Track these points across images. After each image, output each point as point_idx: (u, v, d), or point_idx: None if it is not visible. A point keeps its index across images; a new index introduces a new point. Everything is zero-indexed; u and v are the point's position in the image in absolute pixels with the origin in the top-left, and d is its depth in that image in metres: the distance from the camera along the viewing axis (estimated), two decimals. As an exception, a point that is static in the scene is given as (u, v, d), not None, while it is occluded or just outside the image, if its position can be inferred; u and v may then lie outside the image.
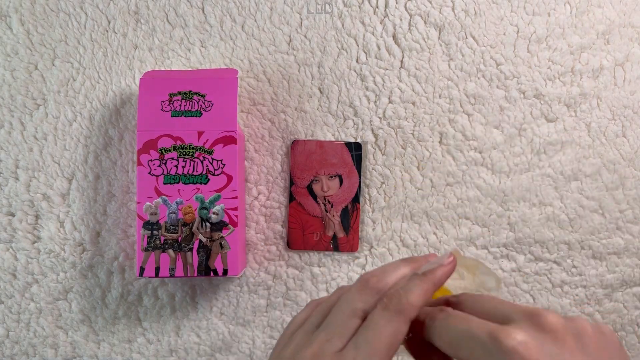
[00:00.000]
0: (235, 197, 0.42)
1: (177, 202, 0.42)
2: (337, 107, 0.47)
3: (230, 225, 0.42)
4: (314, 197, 0.47)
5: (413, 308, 0.27)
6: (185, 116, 0.42)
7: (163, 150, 0.42)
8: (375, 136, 0.47)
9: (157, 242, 0.42)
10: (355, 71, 0.47)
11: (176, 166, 0.42)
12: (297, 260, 0.48)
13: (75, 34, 0.47)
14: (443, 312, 0.27)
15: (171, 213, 0.42)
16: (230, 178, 0.42)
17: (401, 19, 0.47)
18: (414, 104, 0.47)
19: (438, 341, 0.27)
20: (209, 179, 0.42)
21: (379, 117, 0.47)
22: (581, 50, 0.47)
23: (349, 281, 0.48)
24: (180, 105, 0.42)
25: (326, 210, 0.47)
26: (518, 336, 0.24)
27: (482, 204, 0.47)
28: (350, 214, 0.47)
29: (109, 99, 0.47)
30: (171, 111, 0.42)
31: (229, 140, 0.42)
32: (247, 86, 0.47)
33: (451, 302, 0.30)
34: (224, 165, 0.42)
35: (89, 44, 0.47)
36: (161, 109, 0.42)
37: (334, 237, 0.48)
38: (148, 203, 0.42)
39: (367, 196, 0.47)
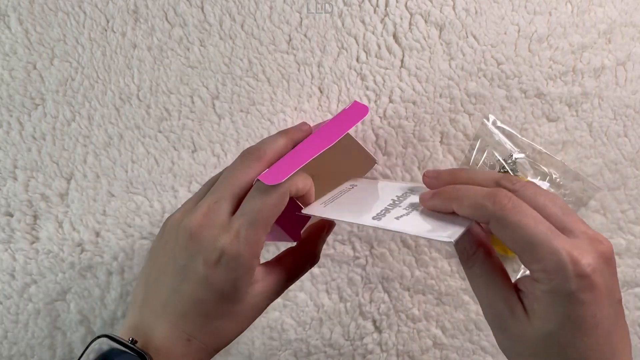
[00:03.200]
0: None
1: None
2: (337, 106, 0.47)
3: None
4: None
5: (294, 187, 0.30)
6: None
7: None
8: (376, 136, 0.47)
9: None
10: (355, 70, 0.47)
11: None
12: (297, 261, 0.47)
13: (73, 33, 0.47)
14: (510, 201, 0.26)
15: None
16: None
17: (402, 18, 0.46)
18: (414, 103, 0.47)
19: (501, 234, 0.26)
20: None
21: (380, 117, 0.47)
22: (582, 49, 0.47)
23: (349, 282, 0.48)
24: None
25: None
26: (591, 260, 0.24)
27: (483, 204, 0.47)
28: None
29: (107, 98, 0.47)
30: None
31: None
32: (246, 86, 0.47)
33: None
34: None
35: (87, 43, 0.47)
36: None
37: (334, 237, 0.47)
38: None
39: (367, 196, 0.47)
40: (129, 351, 0.28)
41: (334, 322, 0.48)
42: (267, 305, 0.32)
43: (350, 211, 0.33)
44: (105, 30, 0.47)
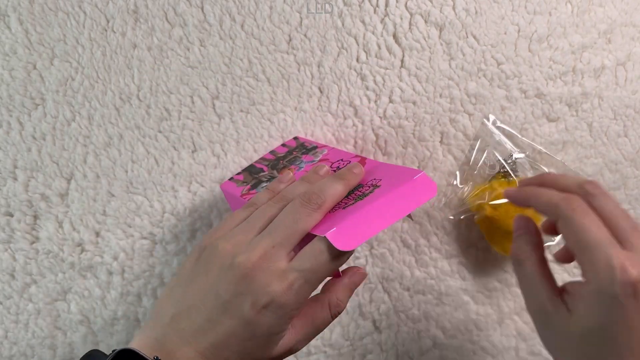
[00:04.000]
0: None
1: None
2: (337, 106, 0.47)
3: None
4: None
5: (327, 204, 0.32)
6: None
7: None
8: (376, 136, 0.47)
9: None
10: (355, 70, 0.47)
11: None
12: (297, 261, 0.47)
13: (74, 33, 0.47)
14: (580, 206, 0.29)
15: None
16: None
17: (402, 18, 0.46)
18: (414, 103, 0.47)
19: (564, 231, 0.29)
20: None
21: (380, 117, 0.47)
22: (582, 49, 0.47)
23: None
24: None
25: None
26: (635, 272, 0.26)
27: (483, 204, 0.47)
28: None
29: (108, 98, 0.47)
30: None
31: None
32: (246, 86, 0.47)
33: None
34: None
35: (87, 43, 0.47)
36: None
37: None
38: None
39: (367, 196, 0.47)
40: None
41: (334, 322, 0.48)
42: (288, 355, 0.33)
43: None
44: (105, 30, 0.47)
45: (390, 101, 0.47)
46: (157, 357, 0.29)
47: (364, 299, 0.48)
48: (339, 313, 0.34)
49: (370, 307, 0.48)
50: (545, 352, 0.50)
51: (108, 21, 0.47)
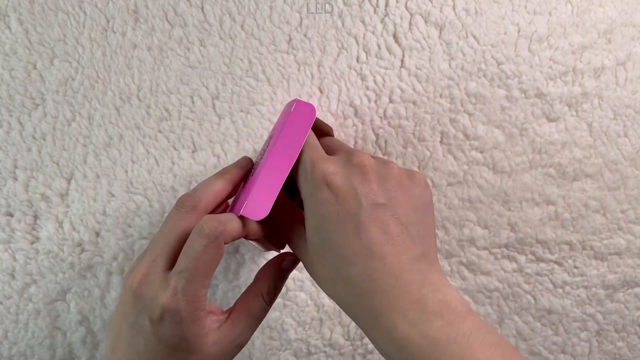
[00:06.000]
0: None
1: None
2: (337, 106, 0.47)
3: None
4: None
5: (229, 236, 0.31)
6: None
7: None
8: (376, 136, 0.47)
9: None
10: (355, 70, 0.47)
11: None
12: (297, 261, 0.47)
13: (74, 33, 0.47)
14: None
15: None
16: None
17: (402, 18, 0.46)
18: (414, 103, 0.47)
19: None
20: None
21: (380, 117, 0.47)
22: (582, 49, 0.47)
23: (349, 282, 0.48)
24: None
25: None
26: (329, 167, 0.29)
27: (483, 204, 0.47)
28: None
29: (108, 98, 0.47)
30: None
31: None
32: (246, 86, 0.47)
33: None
34: None
35: (87, 43, 0.47)
36: None
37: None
38: None
39: (367, 196, 0.47)
40: None
41: (334, 322, 0.48)
42: (235, 350, 0.33)
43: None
44: (106, 31, 0.47)
45: (390, 101, 0.47)
46: None
47: (364, 299, 0.48)
48: (274, 299, 0.35)
49: (371, 307, 0.48)
50: (545, 352, 0.50)
51: (108, 21, 0.47)
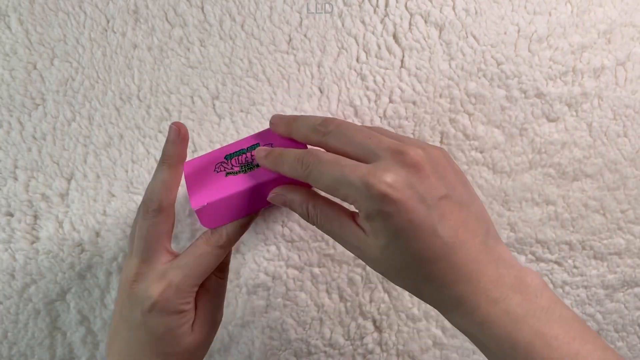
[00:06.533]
0: None
1: None
2: (337, 106, 0.47)
3: None
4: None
5: (230, 241, 0.33)
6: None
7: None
8: (376, 136, 0.47)
9: None
10: (355, 70, 0.47)
11: None
12: (296, 261, 0.47)
13: (74, 34, 0.47)
14: (314, 157, 0.30)
15: None
16: None
17: (401, 18, 0.46)
18: (414, 103, 0.47)
19: (317, 186, 0.30)
20: None
21: (380, 117, 0.47)
22: (582, 49, 0.47)
23: (349, 282, 0.48)
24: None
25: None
26: (387, 178, 0.27)
27: (483, 204, 0.47)
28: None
29: (108, 98, 0.47)
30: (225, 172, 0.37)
31: None
32: (246, 86, 0.47)
33: (321, 142, 0.32)
34: None
35: (88, 44, 0.47)
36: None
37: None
38: None
39: (367, 196, 0.47)
40: None
41: (334, 322, 0.48)
42: (209, 339, 0.36)
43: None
44: (106, 31, 0.47)
45: (390, 101, 0.47)
46: None
47: (364, 299, 0.48)
48: (225, 274, 0.37)
49: (370, 307, 0.48)
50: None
51: (108, 21, 0.47)
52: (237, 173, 0.35)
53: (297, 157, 0.31)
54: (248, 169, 0.35)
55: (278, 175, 0.34)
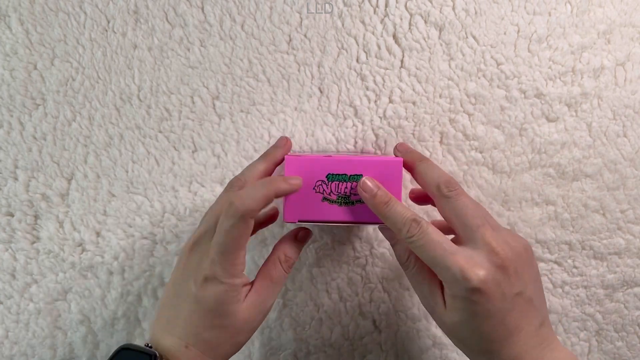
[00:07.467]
0: None
1: None
2: (337, 106, 0.47)
3: None
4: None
5: (251, 211, 0.34)
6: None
7: None
8: (376, 136, 0.47)
9: None
10: (355, 71, 0.47)
11: None
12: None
13: (74, 34, 0.47)
14: (420, 231, 0.34)
15: None
16: None
17: (401, 19, 0.46)
18: (414, 103, 0.47)
19: (419, 255, 0.34)
20: None
21: (380, 117, 0.47)
22: (582, 49, 0.47)
23: (349, 282, 0.48)
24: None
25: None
26: (480, 275, 0.32)
27: (483, 204, 0.47)
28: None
29: (108, 98, 0.47)
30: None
31: None
32: (246, 86, 0.47)
33: (436, 199, 0.36)
34: None
35: (88, 44, 0.47)
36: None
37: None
38: None
39: (367, 196, 0.47)
40: (144, 352, 0.34)
41: (334, 322, 0.48)
42: (260, 316, 0.37)
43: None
44: (106, 31, 0.47)
45: (390, 101, 0.47)
46: (147, 344, 0.35)
47: (364, 298, 0.48)
48: (291, 266, 0.39)
49: (370, 307, 0.48)
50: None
51: (108, 21, 0.47)
52: (332, 202, 0.37)
53: (404, 220, 0.34)
54: (344, 203, 0.37)
55: (375, 220, 0.36)
